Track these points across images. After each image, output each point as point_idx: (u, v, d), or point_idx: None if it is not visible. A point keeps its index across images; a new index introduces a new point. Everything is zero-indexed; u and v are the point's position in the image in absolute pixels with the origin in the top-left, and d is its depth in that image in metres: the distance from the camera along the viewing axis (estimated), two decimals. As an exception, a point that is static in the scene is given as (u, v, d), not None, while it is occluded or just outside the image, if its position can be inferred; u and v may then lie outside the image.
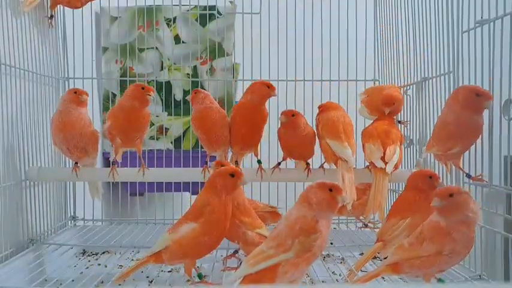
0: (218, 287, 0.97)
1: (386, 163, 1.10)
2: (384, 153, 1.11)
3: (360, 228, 1.44)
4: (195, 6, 1.68)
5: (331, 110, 1.16)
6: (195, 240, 0.91)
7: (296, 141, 1.15)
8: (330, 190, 0.80)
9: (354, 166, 1.14)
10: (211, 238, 0.91)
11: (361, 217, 1.36)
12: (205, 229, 0.90)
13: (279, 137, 1.18)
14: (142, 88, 1.13)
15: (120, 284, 1.05)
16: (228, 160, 1.22)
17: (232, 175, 0.92)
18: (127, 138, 1.18)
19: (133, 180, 1.46)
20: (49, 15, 1.35)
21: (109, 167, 1.22)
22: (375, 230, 1.30)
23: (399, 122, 1.29)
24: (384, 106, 1.18)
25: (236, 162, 1.20)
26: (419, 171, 1.06)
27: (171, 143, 1.69)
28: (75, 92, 1.16)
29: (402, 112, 1.40)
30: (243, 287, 0.78)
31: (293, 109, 1.15)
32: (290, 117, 1.12)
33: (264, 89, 1.13)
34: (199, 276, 0.96)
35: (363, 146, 1.17)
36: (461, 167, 1.07)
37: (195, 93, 1.18)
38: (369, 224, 1.33)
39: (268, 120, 1.20)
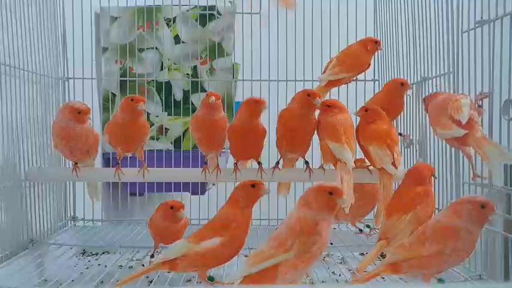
0: (217, 287, 0.96)
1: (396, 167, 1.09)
2: (393, 157, 1.10)
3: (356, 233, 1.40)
4: (195, 6, 1.68)
5: (333, 112, 1.15)
6: (217, 254, 0.91)
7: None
8: (330, 194, 0.80)
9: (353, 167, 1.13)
10: (232, 251, 0.92)
11: (359, 222, 1.33)
12: (229, 243, 0.91)
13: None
14: (132, 100, 1.12)
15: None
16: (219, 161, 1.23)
17: (253, 186, 0.93)
18: (127, 148, 1.20)
19: (134, 181, 1.46)
20: None
21: (109, 167, 1.22)
22: (371, 235, 1.28)
23: (400, 134, 1.29)
24: None
25: (235, 164, 1.20)
26: (416, 166, 1.06)
27: (171, 143, 1.69)
28: (79, 113, 1.12)
29: (402, 113, 1.41)
30: (242, 287, 0.78)
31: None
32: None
33: (252, 106, 1.11)
34: (211, 279, 0.97)
35: (363, 147, 1.16)
36: (473, 161, 1.03)
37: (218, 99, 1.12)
38: (363, 229, 1.31)
39: (267, 120, 1.20)
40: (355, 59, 1.30)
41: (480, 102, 1.04)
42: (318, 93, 1.14)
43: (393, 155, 1.10)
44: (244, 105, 1.12)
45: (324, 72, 1.33)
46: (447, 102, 1.01)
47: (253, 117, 1.12)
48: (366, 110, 1.17)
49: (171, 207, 1.09)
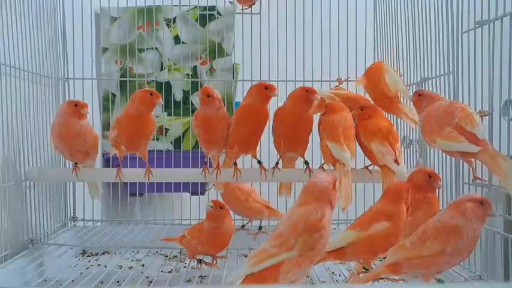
0: (218, 287, 0.96)
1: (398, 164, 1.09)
2: (395, 154, 1.10)
3: None
4: (195, 7, 1.68)
5: (333, 112, 1.15)
6: (386, 239, 0.92)
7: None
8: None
9: (353, 167, 1.13)
10: (396, 240, 0.92)
11: None
12: (396, 230, 0.93)
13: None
14: (151, 94, 1.12)
15: (120, 284, 1.05)
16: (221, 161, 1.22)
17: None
18: (133, 146, 1.17)
19: (134, 181, 1.46)
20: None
21: (108, 167, 1.22)
22: None
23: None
24: None
25: (235, 164, 1.20)
26: (420, 168, 1.06)
27: (171, 143, 1.69)
28: (76, 105, 1.13)
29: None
30: (243, 287, 0.78)
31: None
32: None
33: (263, 91, 1.13)
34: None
35: (363, 144, 1.15)
36: (474, 166, 1.02)
37: (207, 96, 1.12)
38: None
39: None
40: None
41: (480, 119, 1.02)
42: (315, 91, 1.14)
43: (395, 152, 1.10)
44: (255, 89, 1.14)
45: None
46: (451, 110, 0.96)
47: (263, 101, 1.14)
48: (362, 109, 1.17)
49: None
